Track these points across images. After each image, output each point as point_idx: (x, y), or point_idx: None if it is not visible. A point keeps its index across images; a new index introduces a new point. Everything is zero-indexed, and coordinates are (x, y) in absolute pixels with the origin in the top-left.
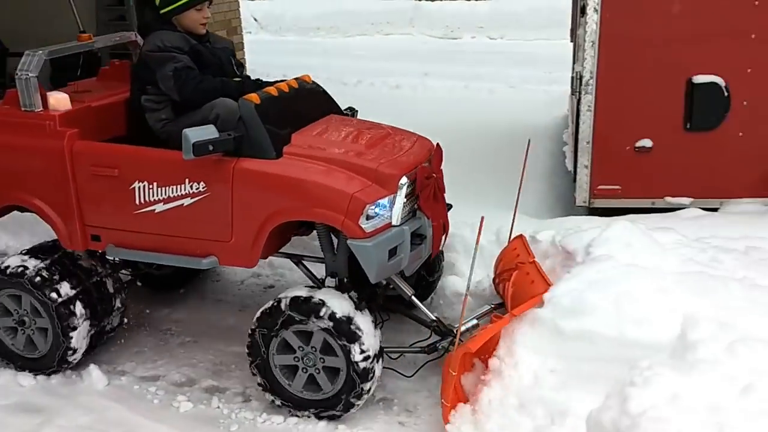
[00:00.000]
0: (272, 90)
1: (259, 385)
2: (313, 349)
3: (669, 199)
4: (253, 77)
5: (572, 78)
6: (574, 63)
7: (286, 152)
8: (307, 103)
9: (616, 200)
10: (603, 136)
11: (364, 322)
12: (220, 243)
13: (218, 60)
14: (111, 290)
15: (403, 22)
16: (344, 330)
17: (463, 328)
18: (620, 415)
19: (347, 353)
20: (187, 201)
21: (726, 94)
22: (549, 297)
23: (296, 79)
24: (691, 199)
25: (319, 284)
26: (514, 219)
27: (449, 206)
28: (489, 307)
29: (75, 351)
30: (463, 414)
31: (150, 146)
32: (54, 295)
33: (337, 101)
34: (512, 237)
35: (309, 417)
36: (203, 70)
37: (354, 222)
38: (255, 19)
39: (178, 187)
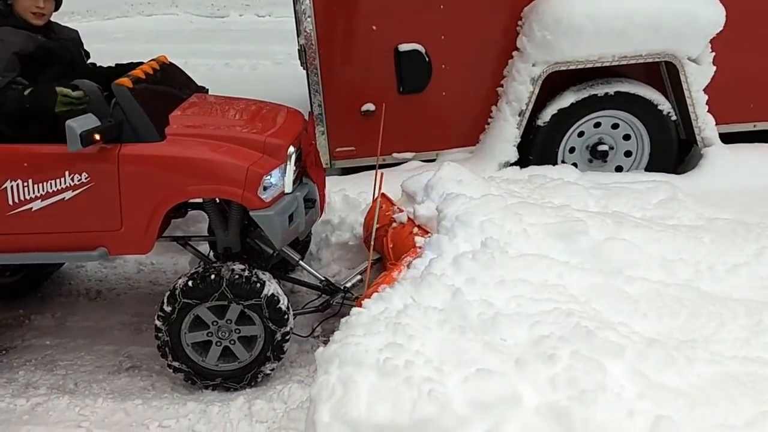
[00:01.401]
0: (139, 73)
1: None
2: (228, 322)
3: (395, 155)
4: None
5: (299, 51)
6: (298, 36)
7: (169, 133)
8: (172, 83)
9: (353, 160)
10: (332, 103)
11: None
12: (110, 233)
13: (69, 54)
14: None
15: (165, 1)
16: (272, 304)
17: (348, 284)
18: None
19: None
20: (68, 194)
21: (427, 59)
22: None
23: (155, 60)
24: (413, 153)
25: (209, 262)
26: (375, 180)
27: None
28: (368, 263)
29: None
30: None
31: None
32: None
33: None
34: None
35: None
36: (53, 67)
37: (253, 194)
38: None
39: (57, 181)
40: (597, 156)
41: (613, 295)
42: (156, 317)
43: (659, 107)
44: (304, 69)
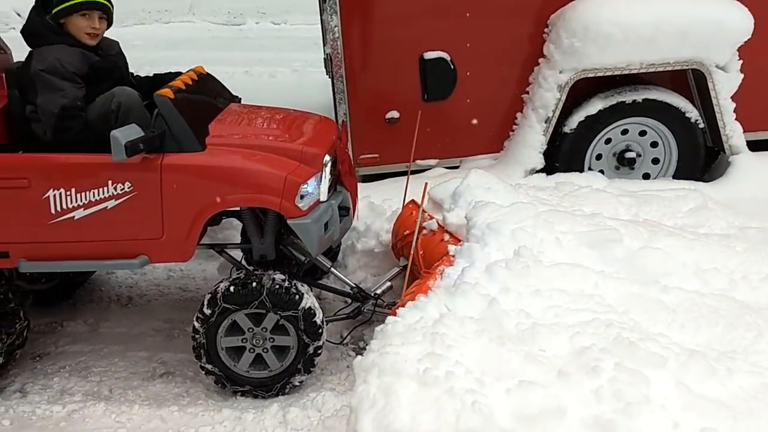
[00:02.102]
0: (179, 83)
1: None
2: (264, 330)
3: (419, 161)
4: None
5: (324, 60)
6: (324, 45)
7: (209, 143)
8: (210, 93)
9: (377, 167)
10: (357, 111)
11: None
12: (151, 241)
13: (119, 71)
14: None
15: (182, 9)
16: (309, 317)
17: (379, 291)
18: None
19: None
20: (111, 203)
21: (452, 67)
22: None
23: (193, 70)
24: (437, 160)
25: (246, 269)
26: (407, 186)
27: None
28: (397, 269)
29: None
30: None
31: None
32: None
33: None
34: (405, 202)
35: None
36: (104, 85)
37: (290, 202)
38: (18, 14)
39: (101, 190)
40: (624, 163)
41: (651, 305)
42: (195, 318)
43: (687, 115)
44: (329, 77)
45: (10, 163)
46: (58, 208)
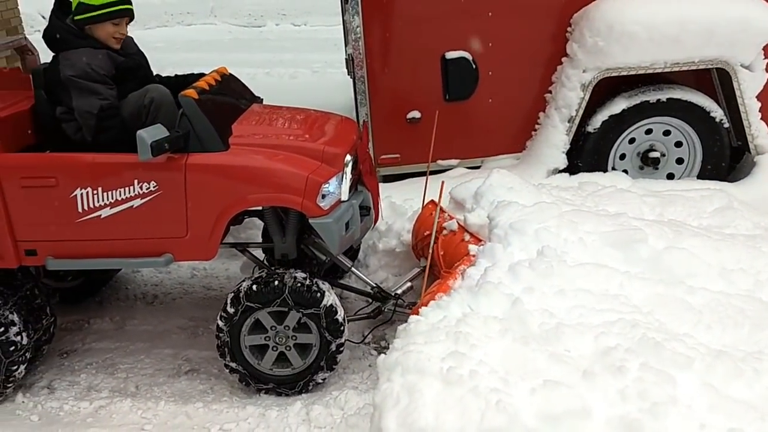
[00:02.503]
0: (203, 84)
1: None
2: (286, 328)
3: (440, 161)
4: None
5: (346, 60)
6: (345, 46)
7: (232, 143)
8: (233, 93)
9: (398, 167)
10: (379, 111)
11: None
12: (175, 239)
13: (143, 69)
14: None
15: (204, 11)
16: (330, 315)
17: (399, 291)
18: None
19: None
20: (137, 202)
21: (474, 66)
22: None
23: (216, 71)
24: (458, 160)
25: (268, 268)
26: (426, 186)
27: None
28: (418, 269)
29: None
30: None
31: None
32: None
33: None
34: (425, 202)
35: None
36: (130, 84)
37: (312, 202)
38: (43, 17)
39: (127, 189)
40: (648, 163)
41: (676, 306)
42: (219, 317)
43: (711, 114)
44: (350, 77)
45: (38, 163)
46: (85, 207)
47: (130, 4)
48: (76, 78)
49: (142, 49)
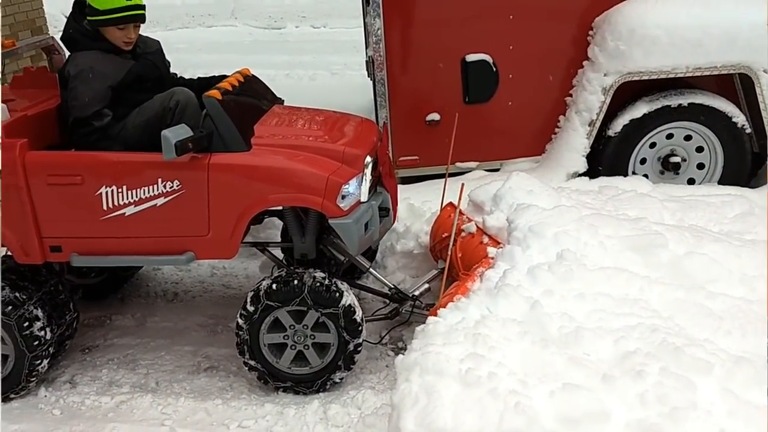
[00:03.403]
0: (226, 85)
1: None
2: (305, 327)
3: (459, 164)
4: None
5: (366, 62)
6: (366, 48)
7: (254, 143)
8: (255, 95)
9: (416, 169)
10: (398, 113)
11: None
12: (197, 238)
13: (157, 71)
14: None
15: (225, 13)
16: (349, 315)
17: (417, 292)
18: None
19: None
20: (160, 201)
21: (494, 69)
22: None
23: (239, 72)
24: (477, 163)
25: (287, 267)
26: (444, 189)
27: None
28: (436, 271)
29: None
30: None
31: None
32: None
33: None
34: (443, 205)
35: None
36: (143, 85)
37: (332, 202)
38: (65, 17)
39: (150, 187)
40: (669, 168)
41: (696, 311)
42: (238, 315)
43: (733, 119)
44: (371, 79)
45: (64, 161)
46: (110, 205)
47: (138, 9)
48: (75, 77)
49: (167, 51)
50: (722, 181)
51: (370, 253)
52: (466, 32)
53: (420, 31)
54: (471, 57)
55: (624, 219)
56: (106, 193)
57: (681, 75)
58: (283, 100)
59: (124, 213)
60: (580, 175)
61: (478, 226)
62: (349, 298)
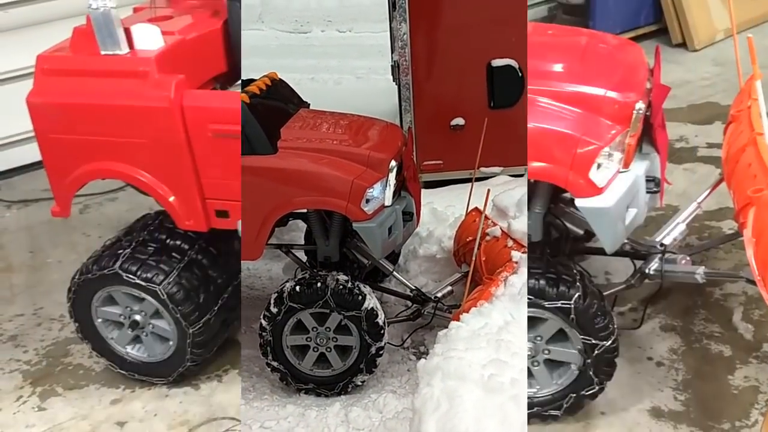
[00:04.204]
0: (254, 88)
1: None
2: (327, 329)
3: (483, 169)
4: None
5: (392, 67)
6: (392, 53)
7: (280, 146)
8: (283, 98)
9: (440, 174)
10: (422, 117)
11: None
12: None
13: None
14: None
15: (252, 17)
16: (371, 318)
17: (439, 294)
18: None
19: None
20: None
21: (520, 74)
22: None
23: (267, 76)
24: (501, 168)
25: (310, 270)
26: (470, 193)
27: None
28: (459, 275)
29: None
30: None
31: None
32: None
33: None
34: (468, 209)
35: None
36: None
37: (356, 206)
38: None
39: None
40: None
41: None
42: (262, 317)
43: None
44: (396, 84)
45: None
46: None
47: None
48: None
49: None
50: None
51: (393, 257)
52: (491, 37)
53: (446, 36)
54: (497, 62)
55: None
56: None
57: None
58: (309, 104)
59: None
60: None
61: (502, 230)
62: (371, 301)
